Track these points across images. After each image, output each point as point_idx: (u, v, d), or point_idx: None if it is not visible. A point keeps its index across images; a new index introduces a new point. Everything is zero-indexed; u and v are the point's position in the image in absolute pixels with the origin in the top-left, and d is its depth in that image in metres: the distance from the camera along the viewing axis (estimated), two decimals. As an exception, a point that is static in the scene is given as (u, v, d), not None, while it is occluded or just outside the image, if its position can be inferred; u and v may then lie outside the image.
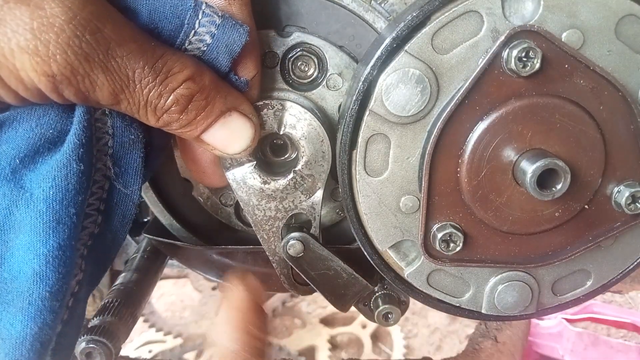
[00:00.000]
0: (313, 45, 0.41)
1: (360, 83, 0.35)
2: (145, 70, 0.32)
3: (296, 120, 0.41)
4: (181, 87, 0.33)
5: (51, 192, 0.32)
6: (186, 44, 0.34)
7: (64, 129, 0.34)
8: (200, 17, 0.34)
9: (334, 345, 1.76)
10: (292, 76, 0.42)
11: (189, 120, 0.35)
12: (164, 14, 0.33)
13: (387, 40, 0.34)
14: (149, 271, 0.52)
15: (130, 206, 0.37)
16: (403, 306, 0.47)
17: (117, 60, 0.31)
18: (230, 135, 0.36)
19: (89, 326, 0.42)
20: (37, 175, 0.33)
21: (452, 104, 0.34)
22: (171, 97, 0.33)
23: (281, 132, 0.42)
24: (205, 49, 0.34)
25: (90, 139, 0.34)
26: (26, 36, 0.29)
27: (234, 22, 0.34)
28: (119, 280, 0.50)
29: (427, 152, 0.36)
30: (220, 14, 0.34)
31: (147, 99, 0.33)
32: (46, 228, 0.32)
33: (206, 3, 0.34)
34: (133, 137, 0.36)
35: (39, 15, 0.29)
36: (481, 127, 0.35)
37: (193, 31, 0.34)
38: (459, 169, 0.36)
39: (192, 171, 0.44)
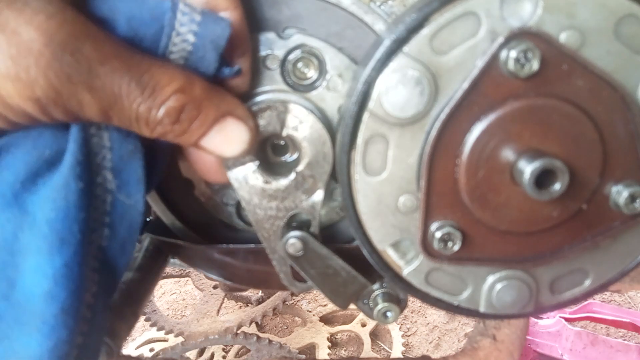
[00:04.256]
0: (313, 47, 0.42)
1: (360, 84, 0.36)
2: (131, 86, 0.32)
3: (299, 121, 0.42)
4: (170, 99, 0.33)
5: (52, 214, 0.32)
6: (170, 47, 0.34)
7: (60, 147, 0.34)
8: (179, 16, 0.33)
9: (334, 343, 1.76)
10: (293, 78, 0.42)
11: (183, 130, 0.35)
12: (142, 20, 0.33)
13: (386, 42, 0.35)
14: (150, 270, 0.52)
15: (136, 216, 0.38)
16: (402, 304, 0.47)
17: (101, 79, 0.31)
18: (226, 140, 0.37)
19: (91, 324, 0.42)
20: (39, 198, 0.33)
21: (450, 105, 0.35)
22: (161, 110, 0.33)
23: (284, 134, 0.42)
24: (191, 48, 0.34)
25: (87, 155, 0.34)
26: (6, 63, 0.29)
27: (214, 17, 0.34)
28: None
29: (425, 152, 0.36)
30: (199, 11, 0.34)
31: (136, 113, 0.33)
32: (51, 249, 0.32)
33: (184, 2, 0.34)
34: (132, 147, 0.36)
35: (15, 41, 0.29)
36: (479, 127, 0.36)
37: (174, 32, 0.34)
38: (457, 169, 0.37)
39: (198, 170, 0.44)
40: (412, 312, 1.90)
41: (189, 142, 0.36)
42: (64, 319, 0.33)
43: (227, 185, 0.48)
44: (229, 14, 0.35)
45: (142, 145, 0.37)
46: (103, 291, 0.36)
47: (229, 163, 0.43)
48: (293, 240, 0.44)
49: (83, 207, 0.33)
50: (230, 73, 0.37)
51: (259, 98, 0.42)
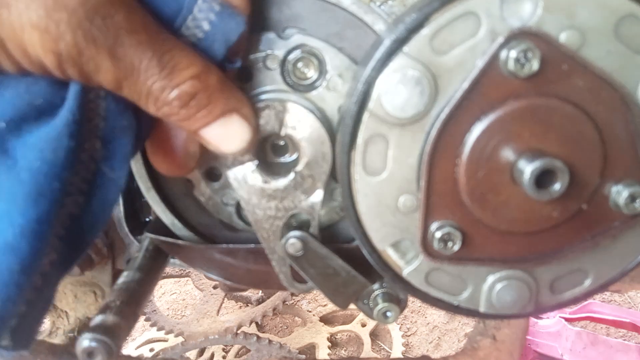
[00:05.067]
0: (313, 47, 0.42)
1: (360, 84, 0.36)
2: (152, 62, 0.32)
3: (297, 121, 0.42)
4: (185, 83, 0.33)
5: (37, 164, 0.31)
6: (183, 29, 0.34)
7: (54, 101, 0.33)
8: (199, 2, 0.33)
9: (334, 343, 1.76)
10: (293, 78, 0.42)
11: (189, 115, 0.35)
12: None
13: (386, 42, 0.35)
14: (150, 270, 0.52)
15: (114, 191, 0.36)
16: (402, 304, 0.47)
17: (124, 48, 0.31)
18: (226, 135, 0.37)
19: (91, 325, 0.43)
20: (23, 144, 0.32)
21: (450, 105, 0.35)
22: (174, 92, 0.33)
23: (282, 134, 0.42)
24: (202, 36, 0.34)
25: (83, 117, 0.33)
26: (39, 13, 0.29)
27: (231, 11, 0.34)
28: (121, 279, 0.50)
29: (425, 152, 0.36)
30: (219, 2, 0.34)
31: (149, 90, 0.33)
32: (26, 198, 0.31)
33: None
34: (126, 123, 0.35)
35: None
36: (479, 127, 0.36)
37: (191, 16, 0.34)
38: (457, 169, 0.37)
39: (152, 154, 0.41)
40: (412, 312, 1.90)
41: (190, 128, 0.36)
42: (19, 277, 0.30)
43: (227, 185, 0.48)
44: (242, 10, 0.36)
45: (137, 124, 0.36)
46: (61, 262, 0.34)
47: (228, 162, 0.43)
48: (293, 240, 0.44)
49: (68, 167, 0.32)
50: (230, 67, 0.37)
51: (258, 98, 0.42)
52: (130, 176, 0.48)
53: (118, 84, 0.32)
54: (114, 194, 0.37)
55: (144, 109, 0.34)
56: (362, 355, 1.67)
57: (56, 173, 0.32)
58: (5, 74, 0.32)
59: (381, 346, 1.78)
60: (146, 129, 0.39)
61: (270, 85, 0.42)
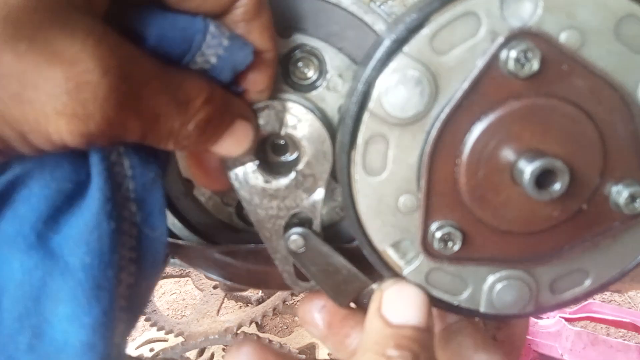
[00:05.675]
0: (313, 47, 0.42)
1: (360, 84, 0.36)
2: (170, 105, 0.31)
3: (297, 120, 0.42)
4: (199, 112, 0.33)
5: (87, 259, 0.31)
6: (190, 64, 0.34)
7: (80, 179, 0.32)
8: (208, 39, 0.33)
9: (334, 343, 1.76)
10: (293, 77, 0.42)
11: (206, 139, 0.35)
12: (173, 40, 0.32)
13: (386, 42, 0.35)
14: (150, 270, 0.52)
15: (160, 248, 0.36)
16: (402, 304, 0.47)
17: (144, 101, 0.30)
18: (235, 141, 0.37)
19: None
20: (66, 240, 0.31)
21: (450, 105, 0.35)
22: (191, 124, 0.33)
23: (282, 133, 0.42)
24: (209, 67, 0.34)
25: (113, 189, 0.32)
26: (62, 99, 0.26)
27: (240, 43, 0.34)
28: (121, 279, 0.50)
29: (425, 152, 0.36)
30: (227, 35, 0.34)
31: (170, 130, 0.32)
32: (88, 297, 0.31)
33: (214, 23, 0.33)
34: (153, 174, 0.35)
35: (73, 74, 0.26)
36: (479, 127, 0.36)
37: (200, 52, 0.33)
38: (457, 169, 0.37)
39: (196, 176, 0.44)
40: (412, 312, 1.90)
41: (205, 148, 0.36)
42: None
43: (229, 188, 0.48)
44: (267, 54, 0.36)
45: (160, 171, 0.36)
46: (127, 328, 0.35)
47: (229, 163, 0.43)
48: (295, 237, 0.44)
49: (116, 249, 0.32)
50: (234, 90, 0.37)
51: (259, 98, 0.42)
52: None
53: (144, 136, 0.31)
54: (160, 251, 0.36)
55: (164, 148, 0.34)
56: (362, 355, 1.66)
57: (107, 261, 0.31)
58: (21, 157, 0.30)
59: (381, 346, 1.78)
60: (163, 168, 0.38)
61: (271, 85, 0.42)
